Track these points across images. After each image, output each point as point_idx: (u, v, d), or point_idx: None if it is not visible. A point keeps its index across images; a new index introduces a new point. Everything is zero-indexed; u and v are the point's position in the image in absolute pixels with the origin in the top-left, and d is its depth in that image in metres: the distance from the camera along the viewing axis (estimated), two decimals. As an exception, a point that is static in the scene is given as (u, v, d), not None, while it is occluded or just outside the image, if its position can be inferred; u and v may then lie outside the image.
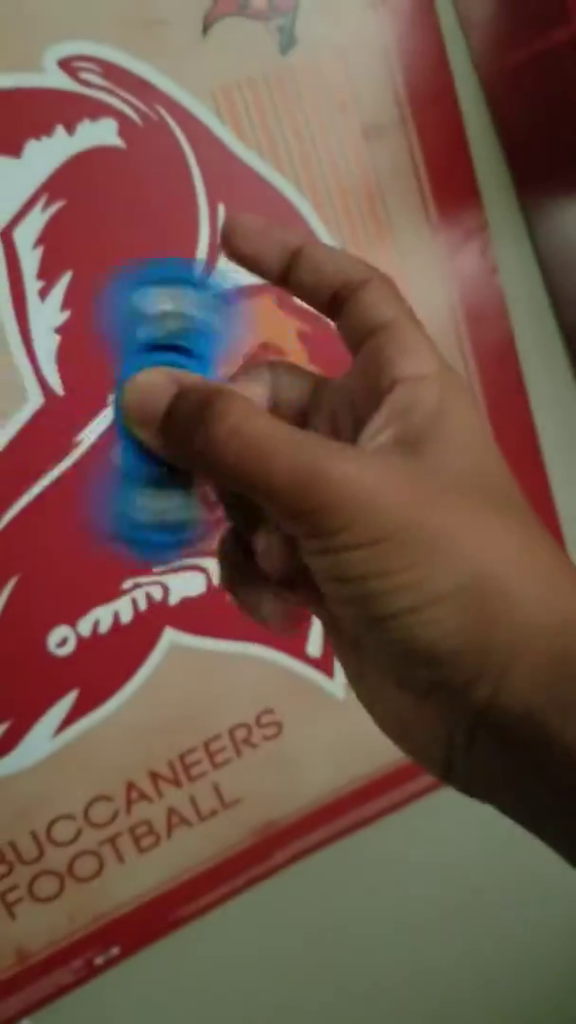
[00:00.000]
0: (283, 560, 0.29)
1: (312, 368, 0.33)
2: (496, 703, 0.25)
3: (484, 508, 0.26)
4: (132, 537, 0.30)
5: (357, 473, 0.24)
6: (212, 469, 0.26)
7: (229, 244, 0.30)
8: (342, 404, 0.30)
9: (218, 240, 0.30)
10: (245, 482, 0.25)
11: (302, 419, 0.32)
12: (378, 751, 0.72)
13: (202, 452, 0.25)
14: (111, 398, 0.29)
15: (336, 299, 0.29)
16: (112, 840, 0.67)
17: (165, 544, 0.30)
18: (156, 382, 0.28)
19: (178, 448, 0.27)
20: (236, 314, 0.31)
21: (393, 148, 0.59)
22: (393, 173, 0.60)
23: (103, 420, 0.58)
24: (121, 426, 0.29)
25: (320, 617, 0.32)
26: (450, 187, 0.61)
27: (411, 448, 0.27)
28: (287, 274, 0.29)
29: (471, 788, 0.28)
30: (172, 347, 0.29)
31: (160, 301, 0.30)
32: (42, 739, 0.63)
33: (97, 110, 0.54)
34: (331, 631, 0.32)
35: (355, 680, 0.31)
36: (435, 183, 0.61)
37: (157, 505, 0.29)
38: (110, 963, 0.70)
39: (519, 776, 0.26)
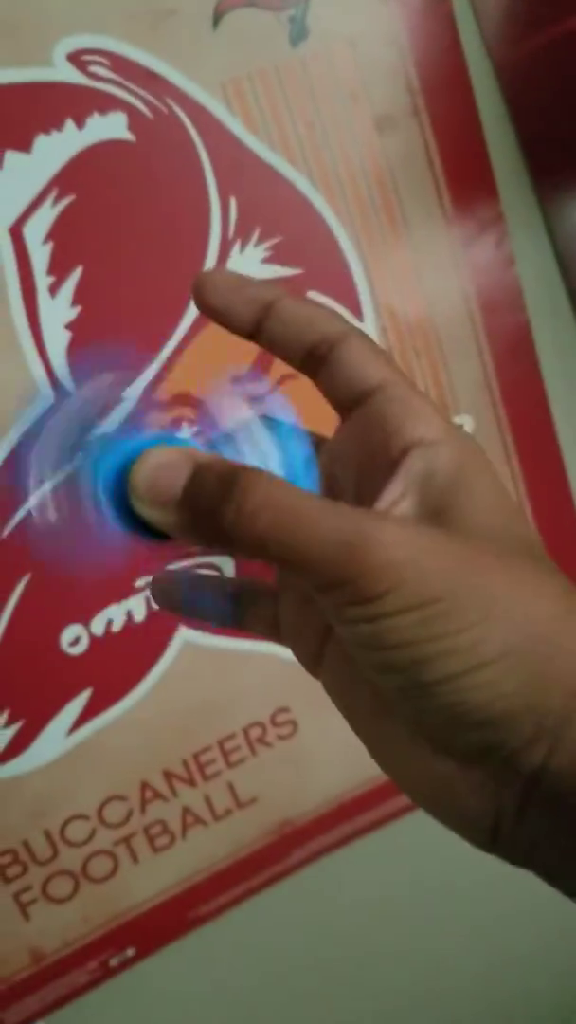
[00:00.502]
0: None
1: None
2: (550, 765, 0.24)
3: (521, 567, 0.25)
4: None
5: (401, 536, 0.24)
6: (241, 544, 0.24)
7: (200, 298, 0.29)
8: (341, 467, 0.30)
9: (192, 291, 0.29)
10: (280, 553, 0.24)
11: None
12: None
13: (231, 527, 0.24)
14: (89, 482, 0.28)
15: (313, 356, 0.29)
16: (127, 840, 0.66)
17: None
18: (170, 459, 0.26)
19: (200, 526, 0.25)
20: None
21: (406, 138, 0.59)
22: (406, 164, 0.59)
23: (115, 417, 0.58)
24: (112, 501, 0.27)
25: (324, 679, 0.32)
26: (464, 177, 0.60)
27: (436, 515, 0.27)
28: (259, 329, 0.29)
29: (515, 854, 0.27)
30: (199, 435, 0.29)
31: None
32: (56, 738, 0.62)
33: (106, 103, 0.53)
34: (342, 693, 0.31)
35: (375, 744, 0.30)
36: (449, 173, 0.60)
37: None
38: (125, 964, 0.69)
39: (568, 838, 0.25)
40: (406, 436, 0.27)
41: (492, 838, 0.27)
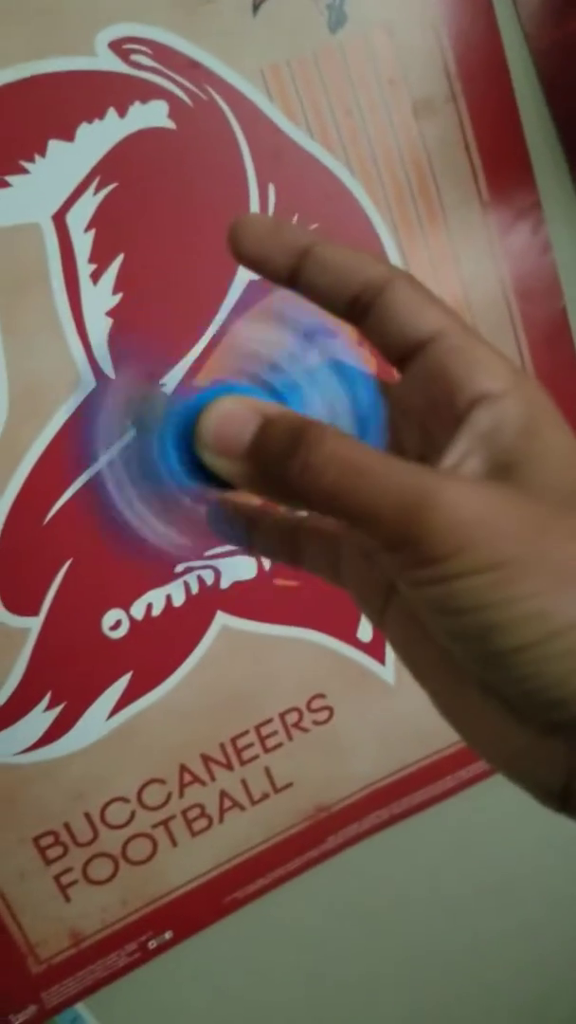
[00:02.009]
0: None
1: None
2: None
3: None
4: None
5: (469, 496, 0.23)
6: (306, 498, 0.24)
7: (235, 247, 0.28)
8: (405, 421, 0.29)
9: (227, 239, 0.28)
10: (345, 509, 0.23)
11: None
12: (430, 737, 0.71)
13: (297, 481, 0.24)
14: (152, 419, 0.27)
15: (357, 303, 0.28)
16: (165, 823, 0.67)
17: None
18: (238, 410, 0.26)
19: (266, 478, 0.25)
20: None
21: (443, 124, 0.59)
22: (443, 150, 0.59)
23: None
24: (171, 447, 0.27)
25: (388, 632, 0.31)
26: (502, 163, 0.60)
27: (505, 472, 0.26)
28: (296, 276, 0.28)
29: None
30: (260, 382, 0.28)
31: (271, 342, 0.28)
32: (96, 721, 0.63)
33: (148, 92, 0.54)
34: (408, 649, 0.30)
35: (444, 701, 0.29)
36: (486, 159, 0.60)
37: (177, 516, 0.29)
38: (163, 947, 0.70)
39: None
40: (470, 390, 0.26)
41: (563, 800, 0.26)
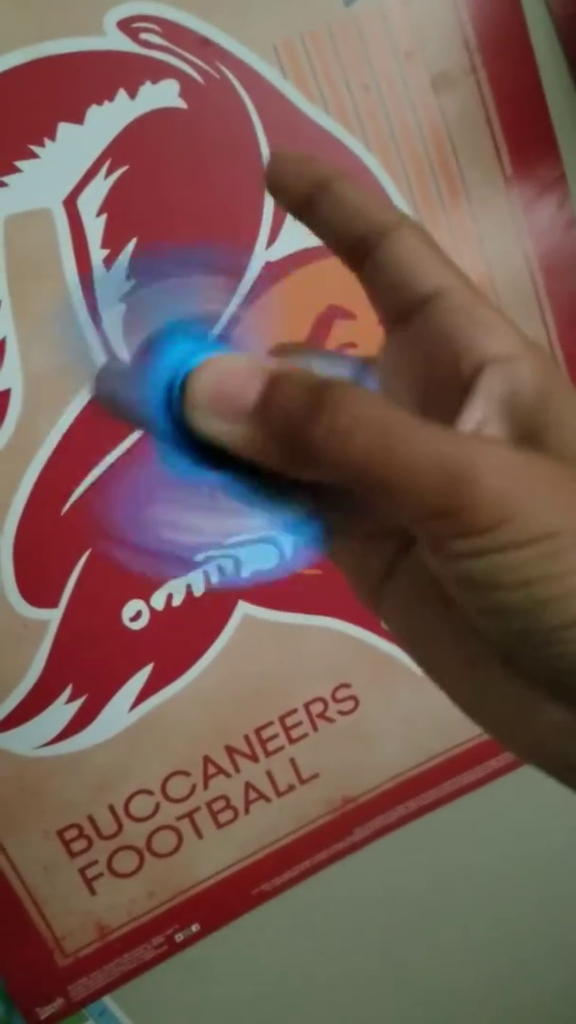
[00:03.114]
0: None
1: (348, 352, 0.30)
2: None
3: None
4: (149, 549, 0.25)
5: (514, 463, 0.21)
6: (329, 466, 0.22)
7: (266, 176, 0.26)
8: (400, 385, 0.27)
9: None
10: (376, 478, 0.21)
11: None
12: (457, 726, 0.70)
13: (320, 447, 0.21)
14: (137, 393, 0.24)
15: (361, 245, 0.26)
16: (190, 815, 0.66)
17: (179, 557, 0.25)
18: (238, 366, 0.23)
19: (279, 444, 0.23)
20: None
21: (463, 98, 0.57)
22: (464, 124, 0.57)
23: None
24: (167, 426, 0.24)
25: (385, 615, 0.29)
26: (524, 137, 0.59)
27: (529, 438, 0.24)
28: (311, 207, 0.26)
29: None
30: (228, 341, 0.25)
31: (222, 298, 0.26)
32: (118, 713, 0.62)
33: (158, 71, 0.53)
34: (411, 633, 0.28)
35: (459, 688, 0.27)
36: (509, 133, 0.58)
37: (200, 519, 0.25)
38: (190, 940, 0.69)
39: None
40: (478, 352, 0.24)
41: None
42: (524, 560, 0.21)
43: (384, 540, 0.28)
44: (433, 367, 0.25)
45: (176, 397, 0.23)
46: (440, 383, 0.25)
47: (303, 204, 0.26)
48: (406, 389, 0.26)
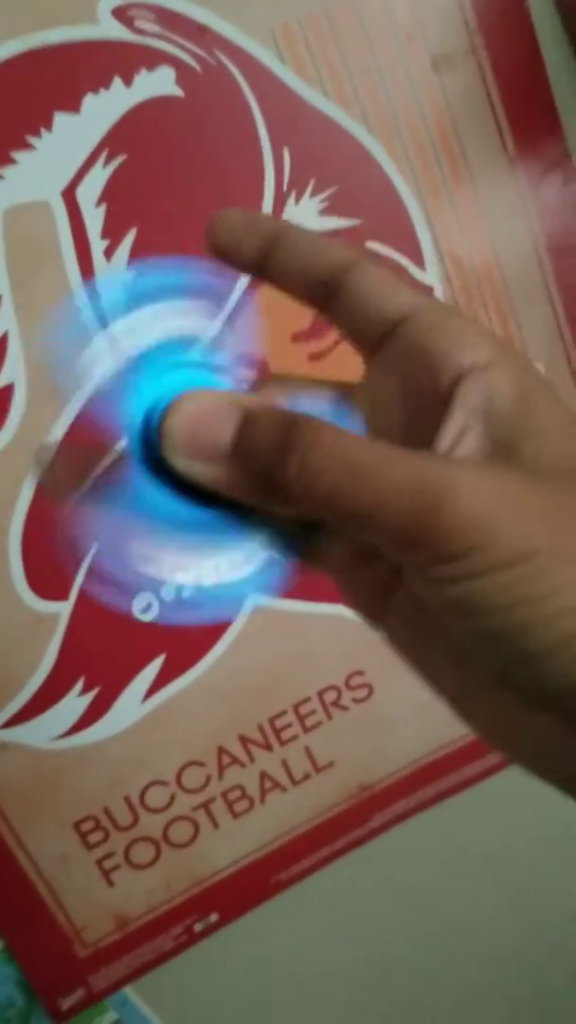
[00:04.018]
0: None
1: (326, 377, 0.29)
2: None
3: None
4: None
5: (484, 483, 0.21)
6: (304, 502, 0.22)
7: (210, 241, 0.27)
8: (381, 411, 0.27)
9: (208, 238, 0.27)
10: (349, 512, 0.21)
11: None
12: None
13: (293, 484, 0.22)
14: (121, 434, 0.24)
15: (326, 287, 0.26)
16: (206, 805, 0.66)
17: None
18: (211, 405, 0.23)
19: (254, 483, 0.23)
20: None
21: (465, 78, 0.56)
22: (466, 105, 0.57)
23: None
24: (145, 463, 0.24)
25: (389, 633, 0.29)
26: (528, 116, 0.58)
27: (505, 448, 0.24)
28: (266, 261, 0.27)
29: None
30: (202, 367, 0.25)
31: (191, 321, 0.26)
32: (131, 705, 0.62)
33: (154, 59, 0.52)
34: (412, 649, 0.28)
35: (460, 702, 0.27)
36: (511, 113, 0.57)
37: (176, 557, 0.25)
38: (209, 930, 0.69)
39: None
40: (453, 365, 0.24)
41: None
42: (502, 584, 0.21)
43: (379, 561, 0.28)
44: (414, 386, 0.25)
45: (154, 433, 0.23)
46: (421, 401, 0.25)
47: (258, 262, 0.27)
48: (391, 413, 0.26)
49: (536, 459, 0.23)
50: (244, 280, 0.55)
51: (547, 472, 0.23)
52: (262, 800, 0.67)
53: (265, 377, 0.28)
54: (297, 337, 0.57)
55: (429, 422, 0.25)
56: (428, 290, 0.26)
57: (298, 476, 0.22)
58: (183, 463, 0.23)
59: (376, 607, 0.29)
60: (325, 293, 0.26)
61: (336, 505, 0.21)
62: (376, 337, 0.26)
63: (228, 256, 0.27)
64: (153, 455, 0.24)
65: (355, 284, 0.26)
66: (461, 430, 0.24)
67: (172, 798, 0.66)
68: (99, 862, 0.66)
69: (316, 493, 0.21)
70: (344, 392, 0.28)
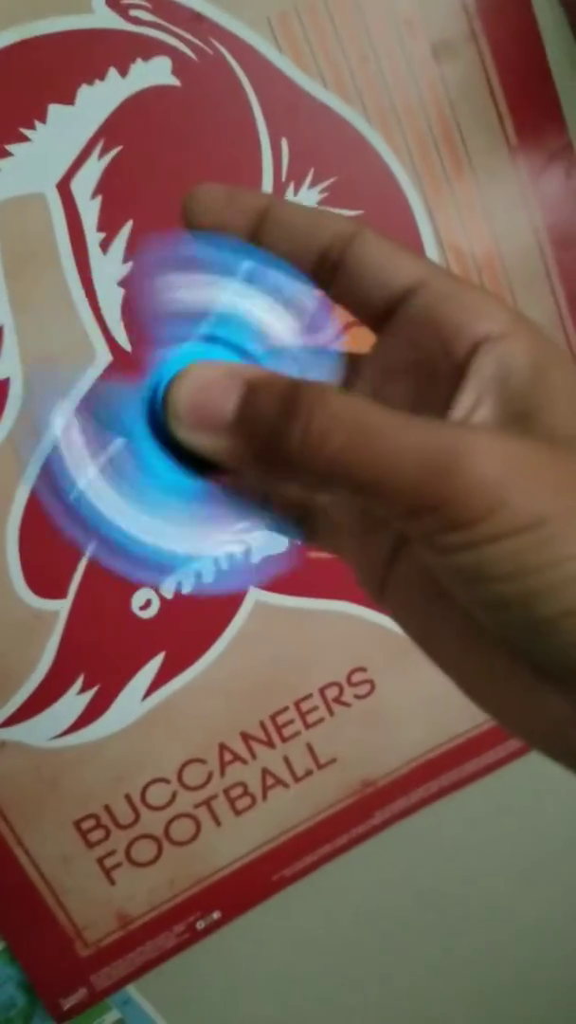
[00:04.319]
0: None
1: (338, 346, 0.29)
2: None
3: None
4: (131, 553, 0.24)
5: (496, 449, 0.20)
6: (309, 471, 0.21)
7: (188, 220, 0.26)
8: (392, 383, 0.26)
9: (182, 214, 0.26)
10: (357, 479, 0.21)
11: None
12: (476, 708, 0.69)
13: (298, 453, 0.21)
14: (133, 399, 0.24)
15: (326, 262, 0.25)
16: (207, 803, 0.66)
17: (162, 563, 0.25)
18: (213, 377, 0.23)
19: (258, 453, 0.23)
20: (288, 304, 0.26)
21: (465, 66, 0.55)
22: (466, 93, 0.56)
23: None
24: (150, 431, 0.24)
25: (392, 607, 0.28)
26: (529, 104, 0.57)
27: (520, 419, 0.23)
28: (256, 241, 0.25)
29: None
30: (212, 340, 0.25)
31: (203, 293, 0.25)
32: (131, 703, 0.62)
33: (150, 49, 0.52)
34: (417, 623, 0.27)
35: (466, 677, 0.26)
36: (512, 101, 0.57)
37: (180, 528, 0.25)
38: (212, 927, 0.69)
39: None
40: (468, 335, 0.23)
41: None
42: (513, 550, 0.20)
43: (384, 531, 0.27)
44: (425, 357, 0.24)
45: (159, 406, 0.23)
46: (433, 372, 0.24)
47: (249, 239, 0.25)
48: (400, 384, 0.26)
49: (551, 428, 0.23)
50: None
51: (562, 441, 0.22)
52: (264, 797, 0.67)
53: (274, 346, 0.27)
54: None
55: (441, 393, 0.24)
56: (431, 260, 0.24)
57: (302, 444, 0.21)
58: (187, 434, 0.23)
59: (380, 582, 0.28)
60: (324, 268, 0.26)
61: (342, 472, 0.21)
62: (382, 309, 0.25)
63: (219, 231, 0.26)
64: (161, 427, 0.24)
65: (357, 256, 0.25)
66: (476, 400, 0.23)
67: (173, 796, 0.65)
68: (100, 860, 0.65)
69: (321, 461, 0.21)
70: (352, 362, 0.28)
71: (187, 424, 0.23)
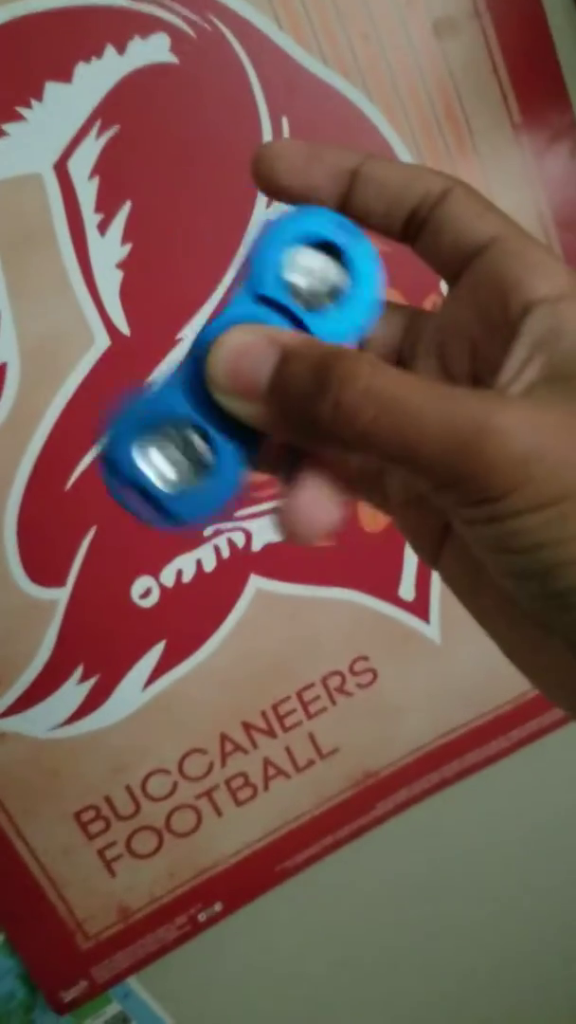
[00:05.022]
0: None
1: (399, 300, 0.28)
2: None
3: None
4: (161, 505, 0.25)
5: (524, 424, 0.21)
6: (342, 442, 0.22)
7: (268, 180, 0.25)
8: (453, 339, 0.26)
9: (252, 172, 0.25)
10: (386, 451, 0.21)
11: (396, 361, 0.28)
12: (479, 697, 0.68)
13: (329, 424, 0.22)
14: (188, 347, 0.24)
15: (413, 219, 0.25)
16: (209, 793, 0.65)
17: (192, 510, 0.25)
18: (251, 343, 0.23)
19: (291, 421, 0.23)
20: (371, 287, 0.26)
21: (468, 43, 0.55)
22: (469, 71, 0.55)
23: (172, 358, 0.56)
24: (190, 371, 0.24)
25: (445, 574, 0.29)
26: (533, 83, 0.56)
27: (565, 380, 0.23)
28: (347, 201, 0.25)
29: None
30: (291, 316, 0.25)
31: (307, 272, 0.25)
32: (132, 692, 0.61)
33: (147, 25, 0.51)
34: (466, 591, 0.28)
35: (510, 644, 0.27)
36: (516, 79, 0.56)
37: (173, 460, 0.25)
38: (214, 919, 0.68)
39: None
40: (525, 294, 0.24)
41: None
42: (536, 525, 0.21)
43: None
44: (485, 313, 0.25)
45: (200, 367, 0.24)
46: (492, 328, 0.25)
47: (339, 201, 0.25)
48: (461, 340, 0.26)
49: None
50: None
51: None
52: (265, 787, 0.66)
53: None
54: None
55: (496, 350, 0.24)
56: (513, 220, 0.24)
57: (333, 416, 0.21)
58: (223, 399, 0.23)
59: (433, 548, 0.29)
60: (412, 224, 0.25)
61: (373, 444, 0.21)
62: (459, 264, 0.25)
63: (299, 199, 0.25)
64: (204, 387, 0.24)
65: (442, 214, 0.25)
66: (525, 360, 0.24)
67: (174, 786, 0.64)
68: (100, 852, 0.65)
69: (352, 433, 0.21)
70: (416, 318, 0.28)
71: (224, 389, 0.23)
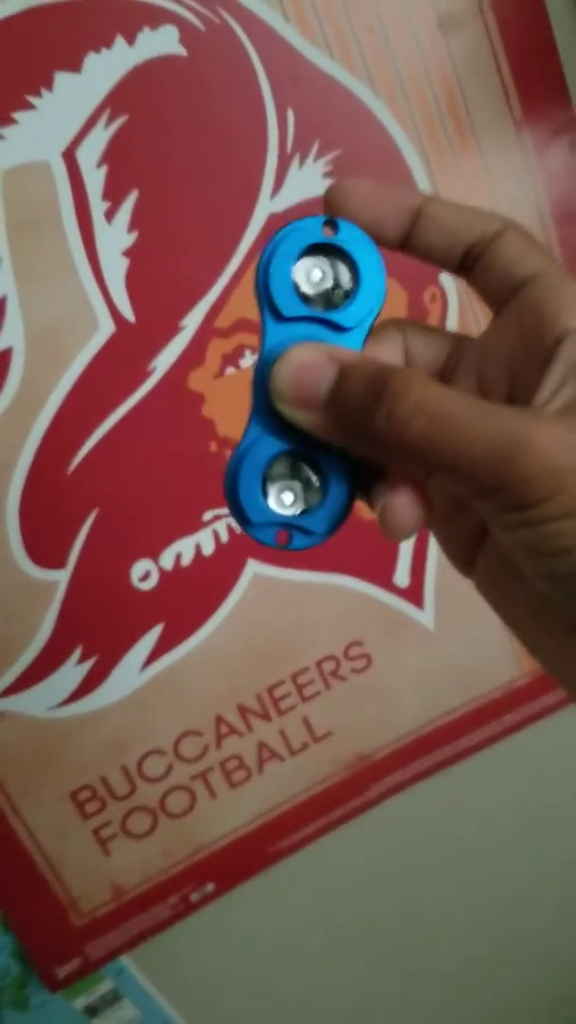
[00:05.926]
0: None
1: (445, 327, 0.30)
2: None
3: None
4: (260, 522, 0.28)
5: (556, 440, 0.23)
6: (393, 449, 0.24)
7: (340, 208, 0.28)
8: (492, 363, 0.29)
9: (325, 204, 0.28)
10: (433, 460, 0.24)
11: (439, 380, 0.30)
12: (472, 682, 0.69)
13: (382, 434, 0.24)
14: (252, 371, 0.27)
15: (469, 255, 0.28)
16: (203, 775, 0.66)
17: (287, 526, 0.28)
18: (312, 360, 0.26)
19: (347, 430, 0.26)
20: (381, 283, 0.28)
21: (472, 39, 0.55)
22: (472, 66, 0.56)
23: (175, 345, 0.56)
24: (260, 405, 0.27)
25: (477, 579, 0.31)
26: (534, 78, 0.57)
27: None
28: (410, 236, 0.28)
29: None
30: (317, 320, 0.28)
31: (318, 275, 0.28)
32: (129, 673, 0.62)
33: (157, 17, 0.51)
34: (498, 596, 0.30)
35: (538, 646, 0.30)
36: (518, 75, 0.57)
37: (287, 487, 0.28)
38: (206, 900, 0.69)
39: None
40: (562, 324, 0.26)
41: None
42: (566, 530, 0.23)
43: (471, 511, 0.30)
44: (523, 341, 0.27)
45: (266, 379, 0.27)
46: (529, 356, 0.27)
47: (402, 237, 0.28)
48: (500, 365, 0.28)
49: None
50: (264, 213, 0.55)
51: None
52: (260, 770, 0.67)
53: (385, 321, 0.30)
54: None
55: (532, 373, 0.27)
56: (557, 260, 0.27)
57: (387, 425, 0.24)
58: (286, 409, 0.26)
59: (467, 556, 0.31)
60: (467, 259, 0.28)
61: (422, 452, 0.24)
62: (505, 296, 0.28)
63: (367, 230, 0.28)
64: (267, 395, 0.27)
65: (496, 251, 0.27)
66: (560, 383, 0.26)
67: (170, 767, 0.65)
68: (96, 832, 0.65)
69: (403, 441, 0.24)
70: (459, 343, 0.30)
71: (286, 400, 0.26)
